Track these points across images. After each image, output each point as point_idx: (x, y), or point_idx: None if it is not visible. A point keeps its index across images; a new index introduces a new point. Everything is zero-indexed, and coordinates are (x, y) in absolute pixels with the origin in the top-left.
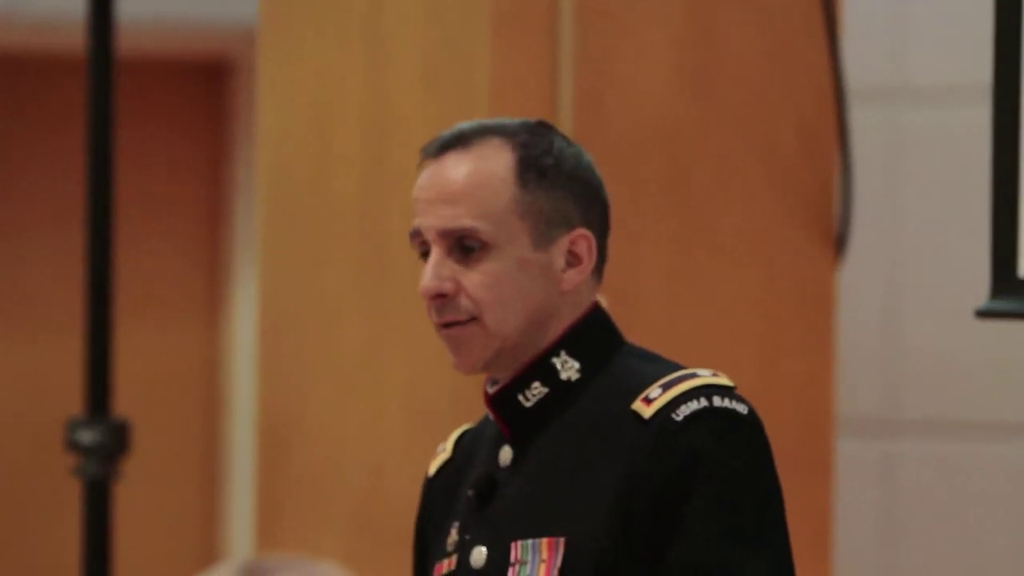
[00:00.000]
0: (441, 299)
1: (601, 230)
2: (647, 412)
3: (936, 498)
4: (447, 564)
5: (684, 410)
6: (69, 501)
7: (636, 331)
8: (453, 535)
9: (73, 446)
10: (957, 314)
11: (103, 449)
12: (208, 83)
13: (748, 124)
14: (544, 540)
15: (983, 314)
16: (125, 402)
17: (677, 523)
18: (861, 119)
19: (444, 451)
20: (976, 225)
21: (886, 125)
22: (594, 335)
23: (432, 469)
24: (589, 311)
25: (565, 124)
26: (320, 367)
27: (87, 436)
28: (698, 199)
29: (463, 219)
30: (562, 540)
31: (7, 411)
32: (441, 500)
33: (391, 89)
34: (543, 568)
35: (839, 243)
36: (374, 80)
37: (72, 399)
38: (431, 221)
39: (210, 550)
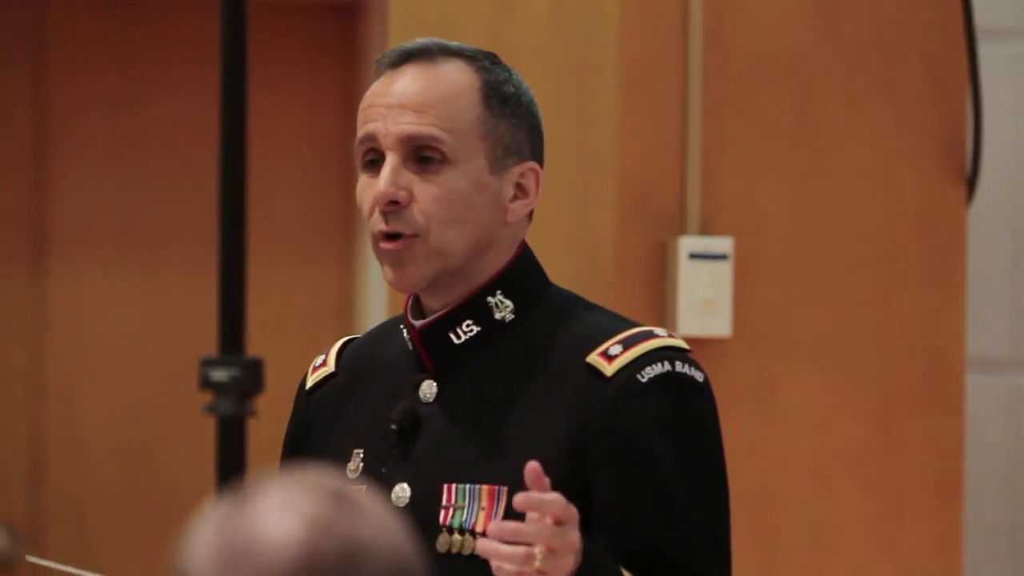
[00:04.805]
0: (392, 206)
1: (542, 168)
2: (609, 369)
3: None
4: None
5: (648, 372)
6: (203, 439)
7: (760, 267)
8: (357, 463)
9: (207, 384)
10: None
11: (237, 387)
12: (340, 22)
13: (875, 60)
14: (484, 487)
15: None
16: (259, 340)
17: (633, 483)
18: (988, 55)
19: (325, 364)
20: None
21: (1014, 61)
22: (527, 276)
23: (310, 381)
24: (522, 250)
25: (694, 61)
26: None
27: (221, 374)
28: (824, 135)
29: (429, 127)
30: (504, 489)
31: (141, 349)
32: (324, 416)
33: (519, 26)
34: (483, 516)
35: (970, 180)
36: (502, 18)
37: (206, 337)
38: (391, 126)
39: None
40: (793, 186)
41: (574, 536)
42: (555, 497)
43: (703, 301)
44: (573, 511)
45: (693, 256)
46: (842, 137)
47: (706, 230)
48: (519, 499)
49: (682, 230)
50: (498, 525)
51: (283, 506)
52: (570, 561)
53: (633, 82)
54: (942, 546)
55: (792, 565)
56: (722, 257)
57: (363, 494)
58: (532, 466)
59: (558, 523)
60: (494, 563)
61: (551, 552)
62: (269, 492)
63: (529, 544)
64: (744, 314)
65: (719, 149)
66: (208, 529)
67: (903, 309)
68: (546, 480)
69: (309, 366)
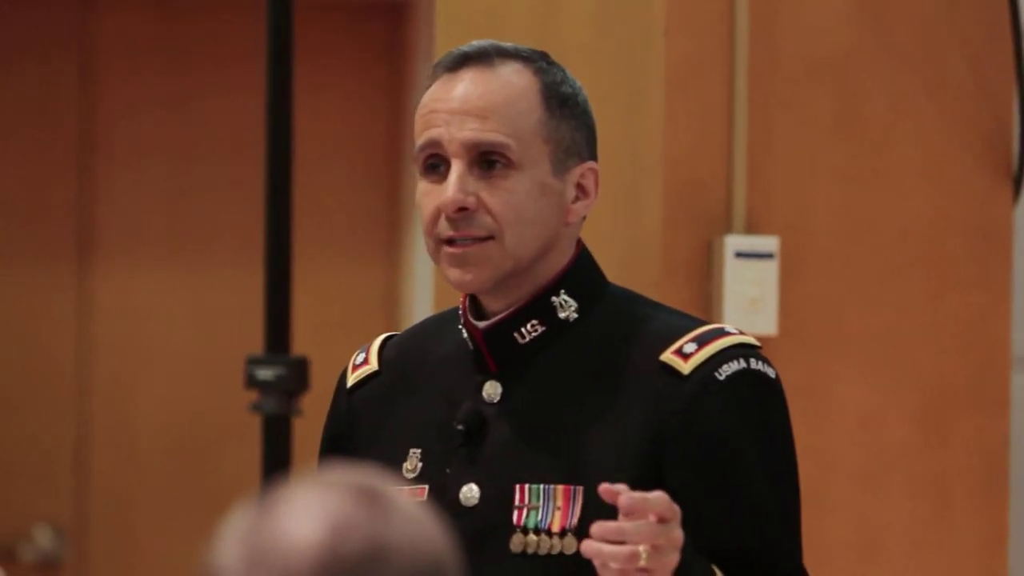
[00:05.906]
0: (461, 212)
1: None
2: (685, 367)
3: None
4: (408, 493)
5: (726, 369)
6: (249, 437)
7: (806, 264)
8: (415, 463)
9: (253, 382)
10: None
11: (283, 386)
12: (387, 22)
13: (921, 59)
14: (560, 487)
15: None
16: (304, 339)
17: (716, 481)
18: None
19: (366, 363)
20: None
21: None
22: (587, 274)
23: (351, 380)
24: (580, 249)
25: (740, 59)
26: None
27: (267, 373)
28: (869, 132)
29: (495, 134)
30: (580, 489)
31: (187, 347)
32: (368, 414)
33: (566, 25)
34: (558, 516)
35: (1016, 179)
36: (549, 17)
37: (252, 335)
38: (455, 133)
39: None
40: (839, 185)
41: (678, 533)
42: (658, 495)
43: (749, 300)
44: (676, 509)
45: (739, 255)
46: (888, 136)
47: (752, 229)
48: (624, 501)
49: (728, 229)
50: (601, 526)
51: (307, 507)
52: (675, 558)
53: (680, 81)
54: (988, 546)
55: (839, 563)
56: (768, 256)
57: (396, 494)
58: (605, 488)
59: (661, 520)
60: (598, 563)
61: (655, 550)
62: (296, 493)
63: (633, 543)
64: (790, 313)
65: (766, 148)
66: (235, 531)
67: (949, 308)
68: (623, 487)
69: (348, 363)
